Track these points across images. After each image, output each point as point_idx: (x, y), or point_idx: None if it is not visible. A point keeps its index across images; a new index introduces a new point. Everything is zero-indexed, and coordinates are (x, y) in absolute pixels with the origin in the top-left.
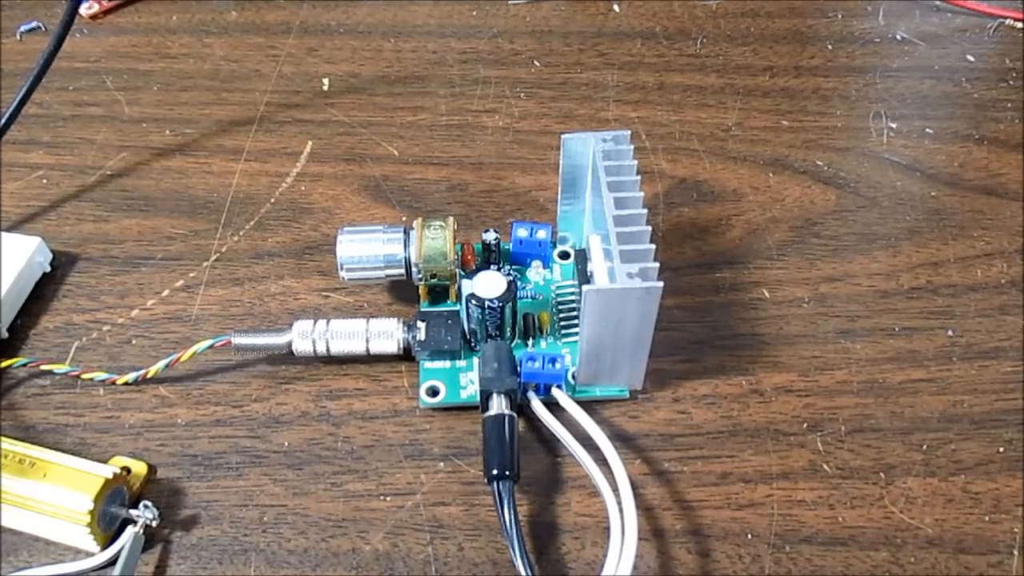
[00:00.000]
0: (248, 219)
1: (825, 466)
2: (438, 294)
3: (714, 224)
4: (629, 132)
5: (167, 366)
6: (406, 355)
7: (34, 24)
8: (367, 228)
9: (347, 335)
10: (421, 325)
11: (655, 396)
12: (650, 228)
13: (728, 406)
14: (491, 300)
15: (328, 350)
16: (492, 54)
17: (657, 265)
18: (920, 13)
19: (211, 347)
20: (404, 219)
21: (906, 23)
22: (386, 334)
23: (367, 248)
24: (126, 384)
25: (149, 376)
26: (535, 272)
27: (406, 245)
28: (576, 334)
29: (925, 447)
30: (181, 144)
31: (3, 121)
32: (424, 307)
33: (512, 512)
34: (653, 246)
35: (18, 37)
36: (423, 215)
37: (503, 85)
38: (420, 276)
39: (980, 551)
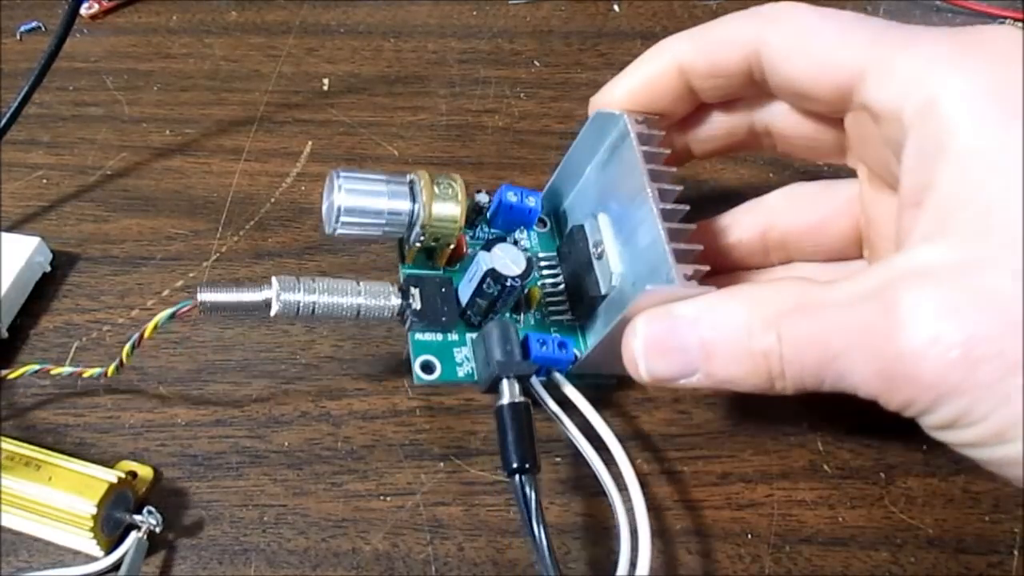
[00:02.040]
0: (248, 219)
1: (825, 466)
2: (422, 256)
3: None
4: (658, 116)
5: (133, 348)
6: (400, 318)
7: (34, 24)
8: (368, 176)
9: (336, 294)
10: (415, 292)
11: (655, 396)
12: (694, 226)
13: (728, 406)
14: (513, 278)
15: (313, 311)
16: (492, 54)
17: (707, 267)
18: (920, 13)
19: (173, 316)
20: None
21: (906, 23)
22: (381, 294)
23: (370, 201)
24: (91, 377)
25: (125, 360)
26: (512, 239)
27: (413, 201)
28: (564, 314)
29: (925, 447)
30: (181, 144)
31: (3, 121)
32: (407, 269)
33: (538, 508)
34: (700, 247)
35: (18, 37)
36: None
37: (503, 85)
38: (422, 236)
39: (980, 551)
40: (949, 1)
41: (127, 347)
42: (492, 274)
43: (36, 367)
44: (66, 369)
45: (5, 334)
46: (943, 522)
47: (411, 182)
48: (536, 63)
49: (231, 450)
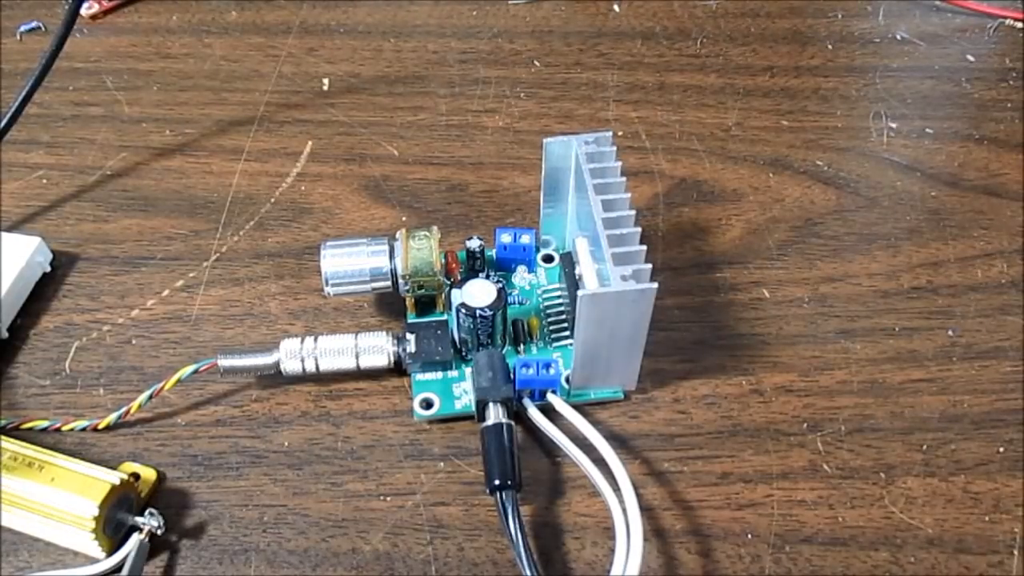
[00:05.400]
0: (248, 219)
1: (825, 466)
2: (424, 304)
3: (714, 224)
4: (611, 133)
5: (150, 397)
6: (397, 368)
7: (34, 24)
8: (351, 241)
9: (336, 352)
10: (411, 337)
11: (655, 396)
12: (639, 229)
13: (728, 406)
14: (482, 309)
15: (317, 368)
16: (492, 54)
17: (649, 266)
18: (920, 13)
19: (196, 371)
20: (404, 219)
21: (906, 23)
22: (376, 348)
23: (352, 262)
24: (107, 427)
25: (132, 412)
26: (520, 277)
27: (391, 257)
28: (567, 337)
29: (925, 447)
30: (181, 144)
31: (3, 121)
32: (411, 318)
33: (517, 522)
34: (644, 247)
35: (18, 37)
36: (422, 215)
37: (503, 85)
38: (407, 288)
39: (980, 551)
40: (949, 1)
41: (143, 396)
42: (463, 307)
43: (46, 423)
44: (79, 423)
45: (5, 334)
46: (943, 522)
47: (391, 241)
48: (536, 63)
49: (231, 450)
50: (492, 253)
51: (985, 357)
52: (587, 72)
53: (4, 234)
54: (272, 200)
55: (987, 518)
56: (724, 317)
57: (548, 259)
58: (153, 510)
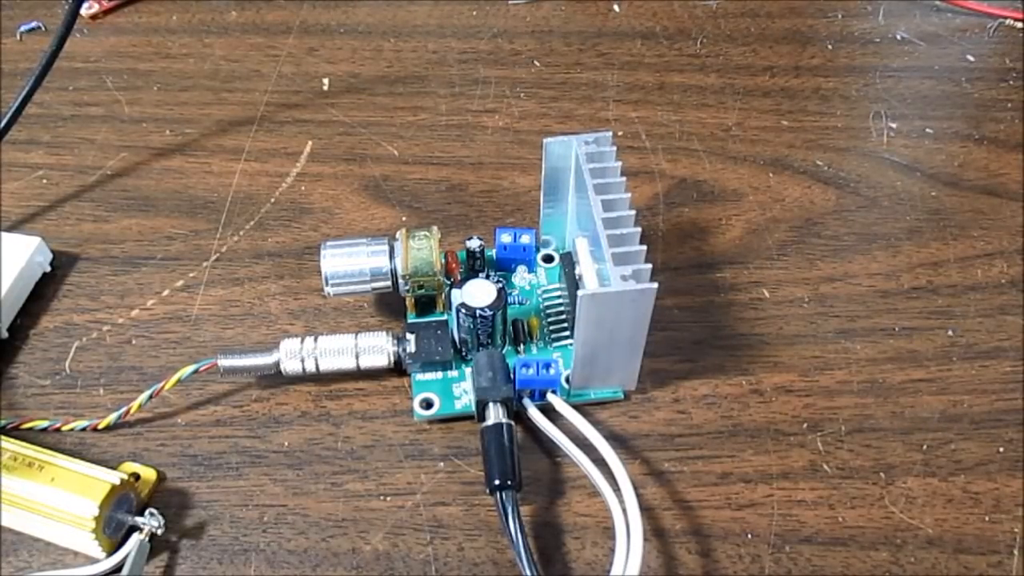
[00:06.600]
0: (248, 219)
1: (825, 466)
2: (424, 304)
3: (714, 224)
4: (611, 133)
5: (150, 397)
6: (397, 368)
7: (34, 24)
8: (350, 242)
9: (336, 352)
10: (411, 337)
11: (655, 396)
12: (639, 229)
13: (728, 406)
14: (482, 309)
15: (317, 368)
16: (492, 54)
17: (649, 266)
18: (920, 13)
19: (196, 371)
20: (404, 219)
21: (906, 23)
22: (376, 348)
23: (352, 262)
24: (107, 427)
25: (132, 412)
26: (520, 277)
27: (391, 257)
28: (567, 337)
29: (925, 447)
30: (181, 144)
31: (3, 121)
32: (411, 318)
33: (516, 522)
34: (644, 247)
35: (18, 37)
36: (422, 215)
37: (503, 85)
38: (407, 288)
39: (980, 551)
40: (949, 1)
41: (143, 396)
42: (463, 308)
43: (46, 423)
44: (79, 424)
45: (5, 334)
46: (943, 522)
47: (391, 241)
48: (536, 63)
49: (231, 450)
50: (492, 253)
51: (985, 357)
52: (587, 72)
53: (4, 234)
54: (272, 200)
55: (987, 518)
56: (724, 317)
57: (548, 259)
58: (153, 510)
